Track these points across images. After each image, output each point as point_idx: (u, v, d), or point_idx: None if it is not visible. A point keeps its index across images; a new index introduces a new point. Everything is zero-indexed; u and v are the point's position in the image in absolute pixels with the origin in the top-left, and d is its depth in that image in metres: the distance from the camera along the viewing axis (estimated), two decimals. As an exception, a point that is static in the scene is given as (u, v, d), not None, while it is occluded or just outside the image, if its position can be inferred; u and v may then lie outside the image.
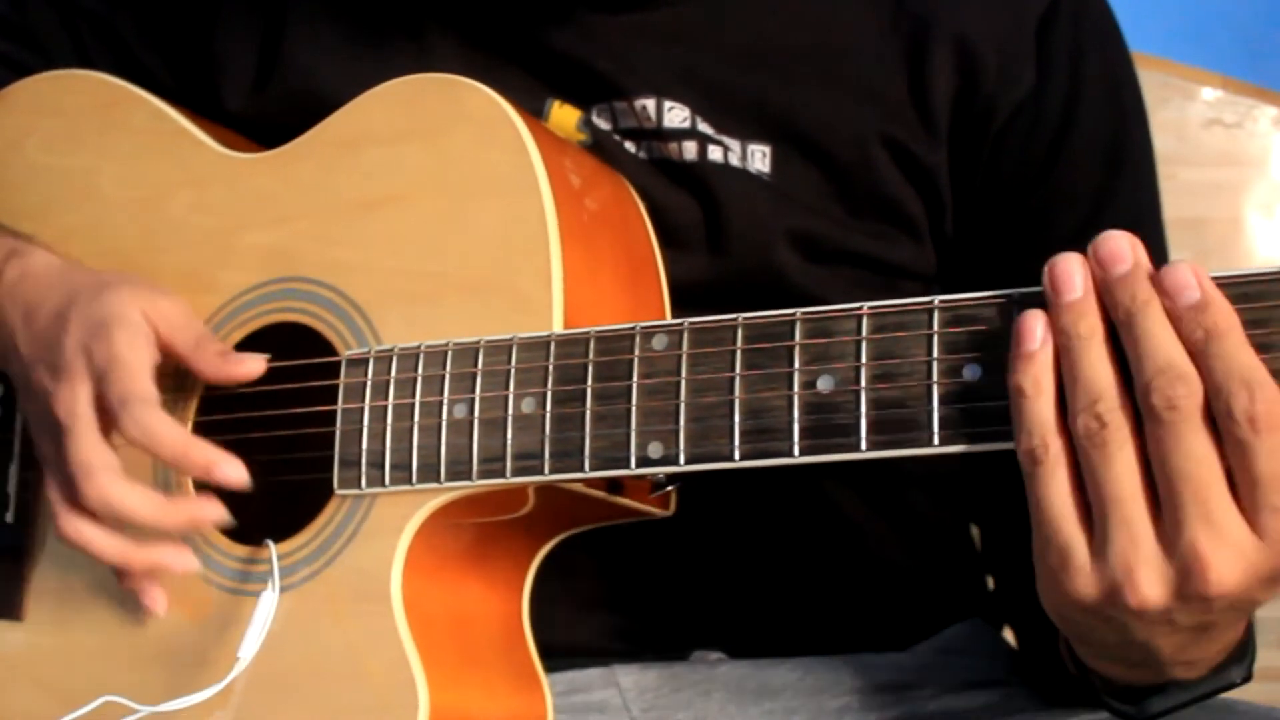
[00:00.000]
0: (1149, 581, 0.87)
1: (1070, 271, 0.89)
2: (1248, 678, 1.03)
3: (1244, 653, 1.03)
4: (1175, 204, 1.34)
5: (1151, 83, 1.36)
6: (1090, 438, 0.87)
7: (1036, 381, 0.88)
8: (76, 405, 1.14)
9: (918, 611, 1.38)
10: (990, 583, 1.46)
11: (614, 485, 1.12)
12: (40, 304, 1.21)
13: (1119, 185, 1.28)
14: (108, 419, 1.15)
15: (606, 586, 1.31)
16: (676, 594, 1.33)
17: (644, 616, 1.33)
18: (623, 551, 1.25)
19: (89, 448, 1.13)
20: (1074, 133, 1.27)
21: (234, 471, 1.13)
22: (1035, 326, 0.89)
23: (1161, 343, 0.86)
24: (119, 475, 1.13)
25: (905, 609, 1.38)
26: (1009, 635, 1.41)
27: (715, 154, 1.25)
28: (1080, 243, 1.25)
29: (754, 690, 1.30)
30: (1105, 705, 1.07)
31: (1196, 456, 0.85)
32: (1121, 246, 0.89)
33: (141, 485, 1.14)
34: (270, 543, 1.15)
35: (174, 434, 1.14)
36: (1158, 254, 1.30)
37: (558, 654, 1.26)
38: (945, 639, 1.37)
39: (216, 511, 1.15)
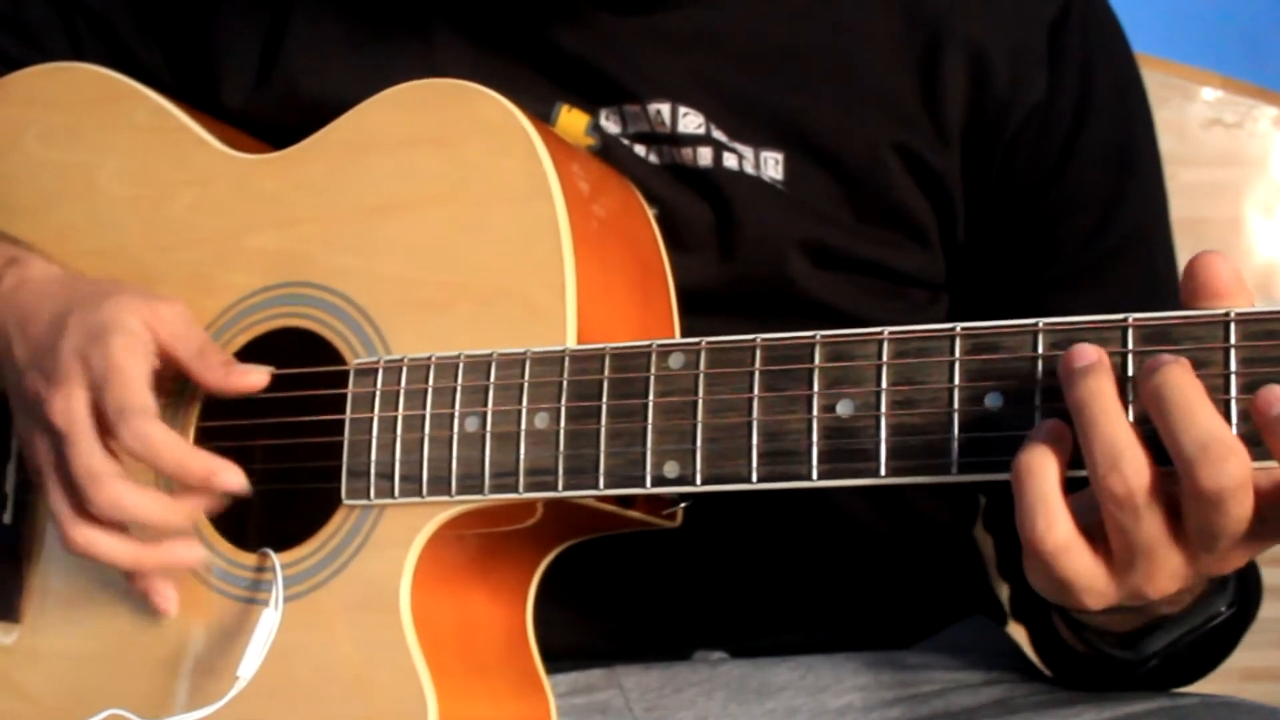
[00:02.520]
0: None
1: None
2: (1233, 604, 1.05)
3: (1225, 582, 1.06)
4: (1175, 204, 1.34)
5: (1151, 83, 1.35)
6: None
7: None
8: (73, 413, 1.13)
9: (920, 609, 1.39)
10: (991, 584, 1.48)
11: (625, 500, 1.12)
12: (38, 311, 1.20)
13: (1128, 189, 1.29)
14: (104, 427, 1.14)
15: (609, 587, 1.31)
16: (678, 594, 1.33)
17: (646, 617, 1.33)
18: (624, 552, 1.25)
19: (92, 455, 1.12)
20: (1084, 138, 1.27)
21: (233, 479, 1.13)
22: None
23: None
24: (124, 480, 1.13)
25: (908, 607, 1.39)
26: (1011, 632, 1.42)
27: (730, 161, 1.25)
28: (1090, 248, 1.27)
29: (756, 689, 1.30)
30: (1106, 656, 1.09)
31: None
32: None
33: (146, 487, 1.14)
34: (273, 555, 1.14)
35: (172, 444, 1.13)
36: (1165, 256, 1.31)
37: (561, 655, 1.26)
38: (948, 637, 1.38)
39: (215, 503, 1.16)
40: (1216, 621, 1.05)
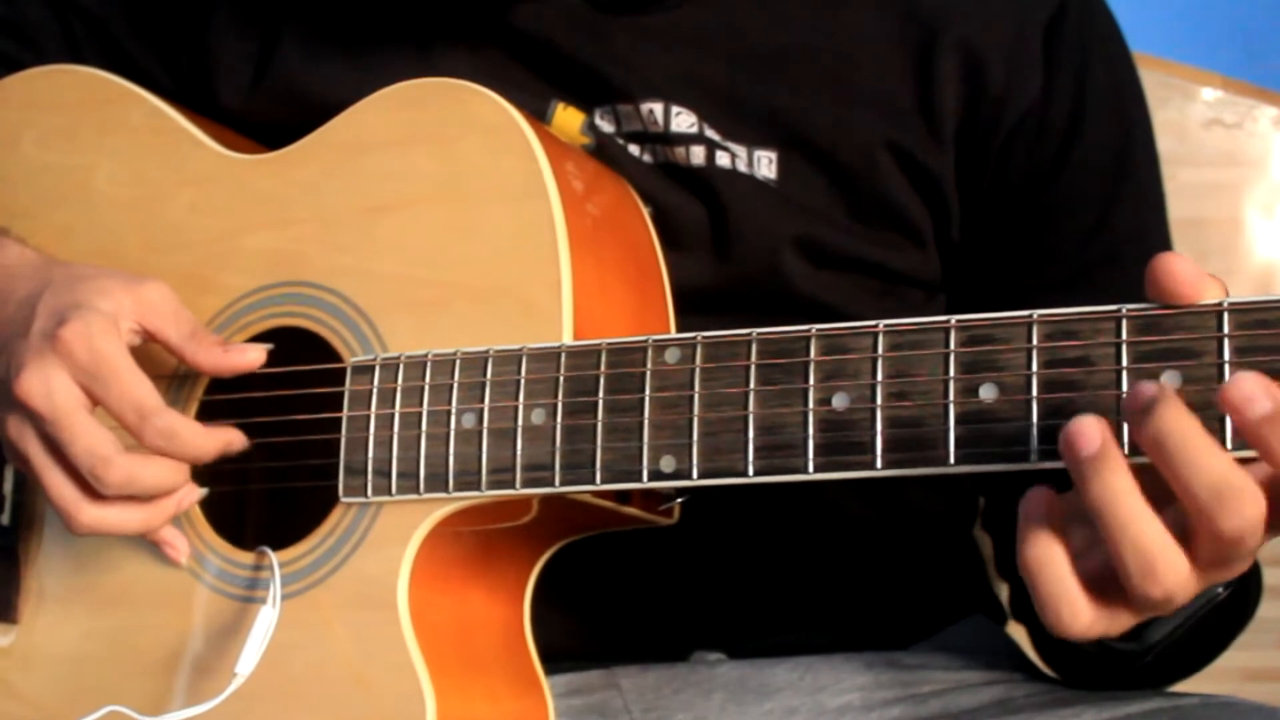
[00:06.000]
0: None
1: None
2: (1229, 584, 1.03)
3: None
4: (1175, 204, 1.34)
5: (1151, 83, 1.35)
6: None
7: None
8: (56, 396, 1.11)
9: (919, 609, 1.39)
10: (990, 584, 1.47)
11: (622, 495, 1.12)
12: (10, 294, 1.19)
13: (1125, 191, 1.28)
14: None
15: (606, 588, 1.32)
16: (676, 595, 1.33)
17: (644, 618, 1.34)
18: (622, 553, 1.25)
19: (94, 436, 1.11)
20: (1080, 139, 1.27)
21: (241, 442, 1.16)
22: None
23: None
24: (131, 454, 1.12)
25: (906, 607, 1.38)
26: (1010, 632, 1.42)
27: (723, 160, 1.25)
28: (1086, 249, 1.27)
29: (754, 690, 1.30)
30: (1110, 649, 1.09)
31: None
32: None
33: (147, 455, 1.13)
34: (270, 553, 1.14)
35: (193, 431, 1.13)
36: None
37: (558, 656, 1.26)
38: (947, 637, 1.38)
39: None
40: (1214, 603, 1.04)
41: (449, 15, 1.28)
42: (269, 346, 1.17)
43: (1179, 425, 0.84)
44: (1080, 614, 0.90)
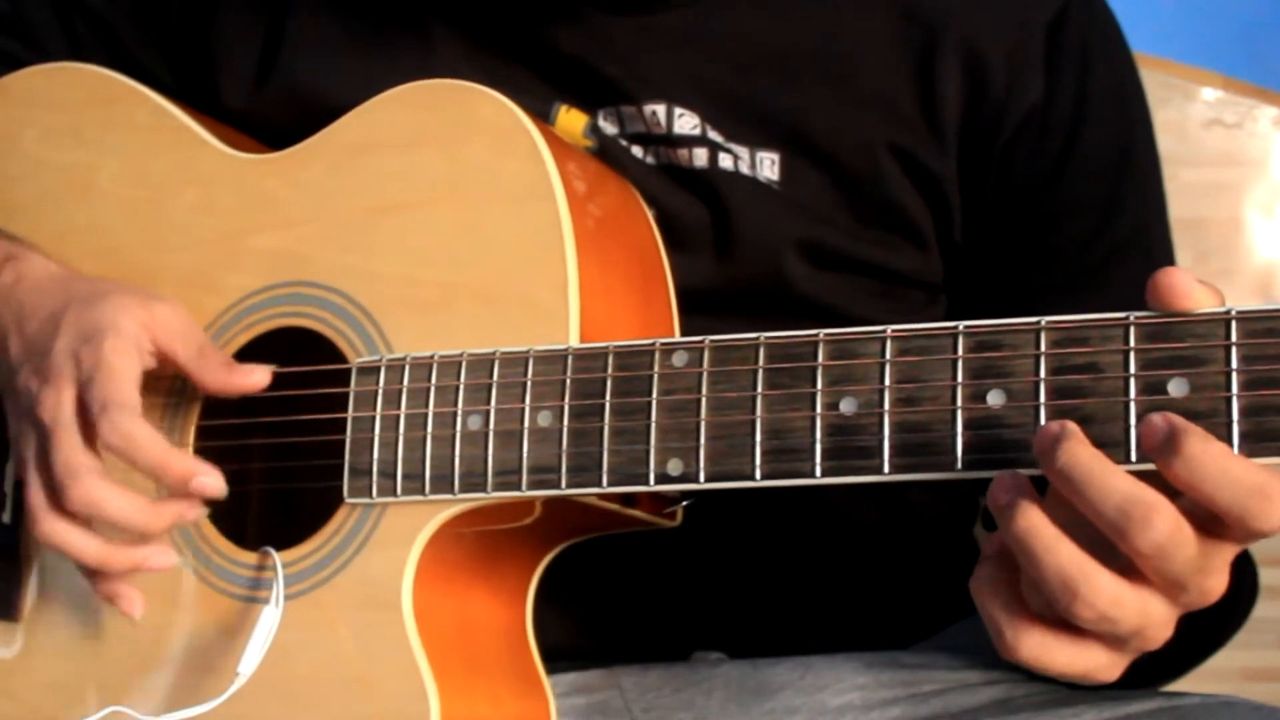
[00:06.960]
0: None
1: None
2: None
3: None
4: (1175, 204, 1.34)
5: (1151, 83, 1.36)
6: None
7: None
8: (60, 409, 1.12)
9: (920, 609, 1.39)
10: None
11: (627, 498, 1.12)
12: (34, 309, 1.19)
13: (1126, 193, 1.29)
14: (89, 425, 1.13)
15: (607, 588, 1.32)
16: (677, 595, 1.33)
17: (645, 618, 1.34)
18: (624, 553, 1.25)
19: (72, 450, 1.12)
20: (1082, 141, 1.27)
21: (212, 483, 1.12)
22: None
23: None
24: (104, 477, 1.12)
25: (907, 607, 1.38)
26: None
27: (726, 161, 1.25)
28: (1088, 250, 1.27)
29: (755, 689, 1.30)
30: None
31: None
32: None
33: (124, 488, 1.12)
34: (274, 553, 1.14)
35: (154, 442, 1.12)
36: (1165, 258, 1.31)
37: (559, 656, 1.26)
38: (947, 636, 1.38)
39: (195, 511, 1.14)
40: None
41: (450, 14, 1.28)
42: (273, 368, 1.17)
43: (1082, 455, 0.87)
44: (1023, 637, 0.91)
